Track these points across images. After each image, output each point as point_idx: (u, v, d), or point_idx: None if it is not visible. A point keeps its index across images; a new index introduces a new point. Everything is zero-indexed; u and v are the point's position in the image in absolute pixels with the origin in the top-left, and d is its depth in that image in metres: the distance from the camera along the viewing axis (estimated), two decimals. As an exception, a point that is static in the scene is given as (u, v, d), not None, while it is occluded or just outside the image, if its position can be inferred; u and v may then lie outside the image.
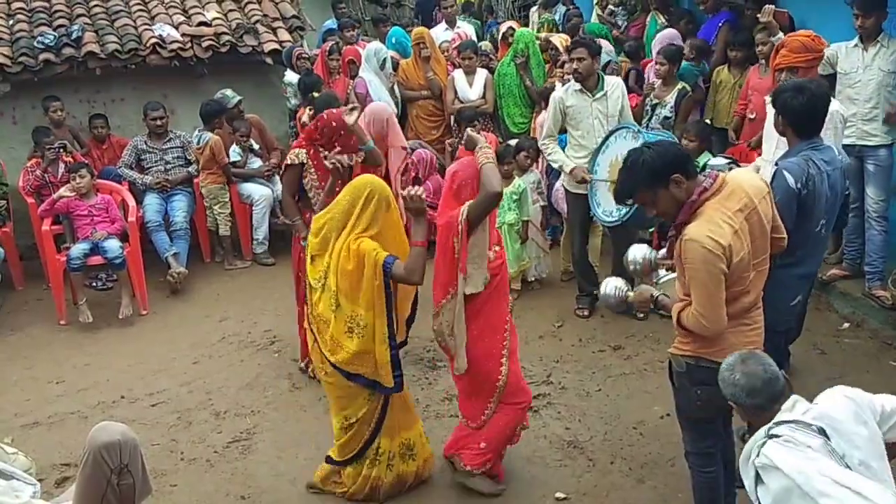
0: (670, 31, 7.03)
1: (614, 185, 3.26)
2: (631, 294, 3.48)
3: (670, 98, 6.23)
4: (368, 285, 3.49)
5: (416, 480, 3.98)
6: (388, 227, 3.60)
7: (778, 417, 2.50)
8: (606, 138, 5.20)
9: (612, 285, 3.57)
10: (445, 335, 3.67)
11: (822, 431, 2.37)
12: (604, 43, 6.55)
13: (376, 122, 5.24)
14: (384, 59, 7.42)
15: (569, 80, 5.59)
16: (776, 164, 3.55)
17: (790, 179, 3.38)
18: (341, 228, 3.54)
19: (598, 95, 5.37)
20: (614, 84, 5.46)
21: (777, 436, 2.41)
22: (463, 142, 3.86)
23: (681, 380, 3.22)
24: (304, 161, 4.71)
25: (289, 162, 4.77)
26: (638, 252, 3.59)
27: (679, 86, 6.24)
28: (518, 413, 3.88)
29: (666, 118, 6.21)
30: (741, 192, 2.96)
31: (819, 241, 3.66)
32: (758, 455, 2.42)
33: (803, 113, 3.46)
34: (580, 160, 5.43)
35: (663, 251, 3.44)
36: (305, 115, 6.41)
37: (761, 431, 2.49)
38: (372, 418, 3.75)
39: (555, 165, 5.67)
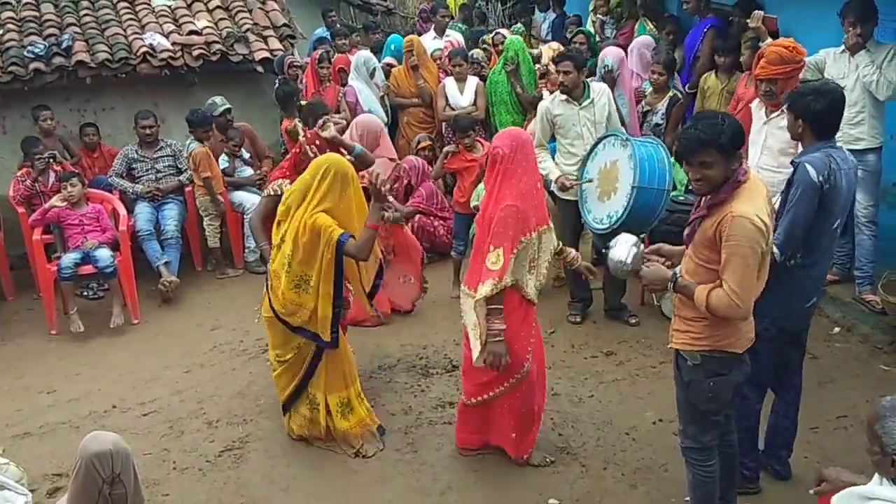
0: (645, 38, 7.09)
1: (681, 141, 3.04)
2: (646, 268, 3.22)
3: (661, 105, 6.27)
4: (321, 257, 3.88)
5: (362, 434, 4.30)
6: (346, 204, 3.92)
7: None
8: (595, 146, 5.21)
9: (631, 252, 3.23)
10: None
11: None
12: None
13: (369, 135, 5.48)
14: (373, 69, 7.44)
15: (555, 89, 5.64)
16: (794, 161, 3.53)
17: (812, 172, 3.37)
18: (301, 200, 3.90)
19: (584, 103, 5.40)
20: (600, 91, 5.49)
21: None
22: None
23: (693, 373, 3.19)
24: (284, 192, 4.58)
25: (270, 193, 4.72)
26: (625, 249, 3.25)
27: (670, 93, 6.27)
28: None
29: (657, 125, 6.25)
30: (761, 185, 3.07)
31: (834, 241, 3.65)
32: None
33: (826, 115, 3.47)
34: (570, 167, 5.45)
35: (652, 246, 3.43)
36: (298, 126, 6.39)
37: (867, 489, 2.30)
38: (300, 366, 4.20)
39: (543, 173, 5.66)
